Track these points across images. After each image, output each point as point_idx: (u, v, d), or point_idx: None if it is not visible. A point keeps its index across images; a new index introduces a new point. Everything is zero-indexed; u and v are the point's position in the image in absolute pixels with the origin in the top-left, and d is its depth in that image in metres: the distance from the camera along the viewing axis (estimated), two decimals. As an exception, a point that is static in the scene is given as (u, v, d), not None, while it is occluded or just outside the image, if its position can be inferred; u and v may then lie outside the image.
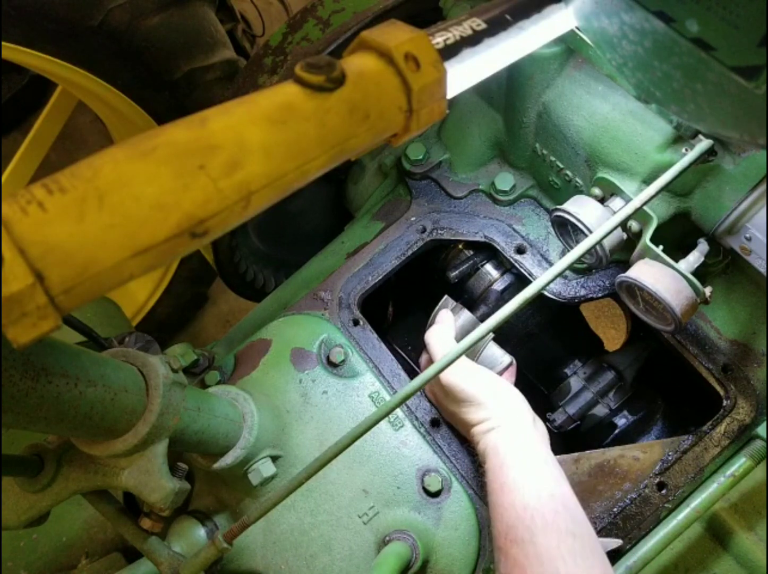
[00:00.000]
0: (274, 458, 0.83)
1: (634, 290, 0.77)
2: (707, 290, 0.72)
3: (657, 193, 0.64)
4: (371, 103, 0.44)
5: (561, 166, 0.90)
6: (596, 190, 0.82)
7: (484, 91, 0.98)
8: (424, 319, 1.00)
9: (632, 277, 0.74)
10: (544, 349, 1.11)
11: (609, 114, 0.79)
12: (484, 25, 0.54)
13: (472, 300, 1.06)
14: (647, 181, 0.78)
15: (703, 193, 0.76)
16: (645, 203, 0.64)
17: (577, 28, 0.66)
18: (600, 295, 0.93)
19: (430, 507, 0.84)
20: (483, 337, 0.60)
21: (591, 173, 0.84)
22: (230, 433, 0.76)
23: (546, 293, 0.94)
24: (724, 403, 0.85)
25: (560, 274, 0.62)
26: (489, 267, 1.05)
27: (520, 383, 0.91)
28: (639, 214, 0.73)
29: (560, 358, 1.10)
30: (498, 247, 0.99)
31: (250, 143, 0.38)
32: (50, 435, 0.65)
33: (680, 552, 0.80)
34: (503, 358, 0.91)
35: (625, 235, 0.81)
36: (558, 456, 0.82)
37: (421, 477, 0.85)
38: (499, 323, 0.59)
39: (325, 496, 0.85)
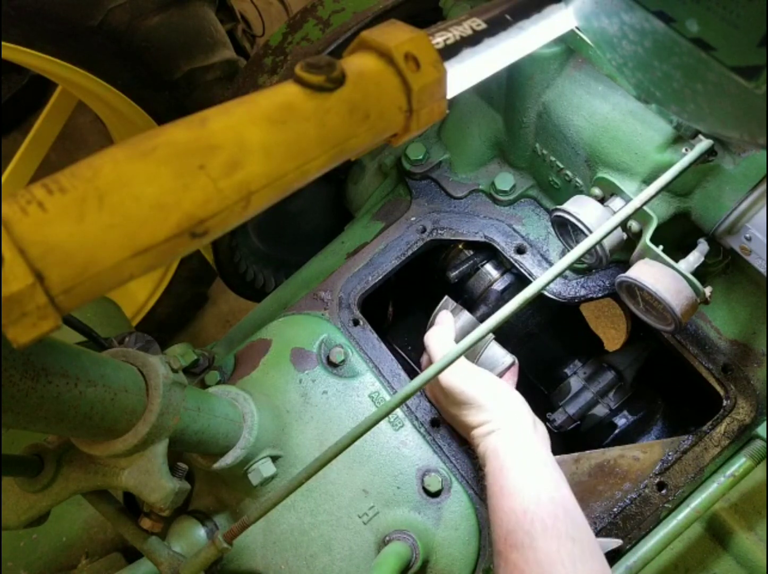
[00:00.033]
0: (274, 458, 0.83)
1: (634, 290, 0.77)
2: (707, 290, 0.72)
3: (657, 193, 0.64)
4: (371, 103, 0.44)
5: (561, 166, 0.90)
6: (596, 190, 0.82)
7: (484, 91, 0.98)
8: (424, 319, 1.00)
9: (632, 278, 0.74)
10: (544, 349, 1.11)
11: (609, 114, 0.79)
12: (484, 25, 0.54)
13: (472, 300, 1.06)
14: (647, 181, 0.78)
15: (703, 193, 0.76)
16: (645, 203, 0.64)
17: (577, 28, 0.66)
18: (600, 295, 0.93)
19: (430, 507, 0.84)
20: (483, 337, 0.60)
21: (591, 173, 0.84)
22: (230, 433, 0.76)
23: (546, 293, 0.94)
24: (724, 403, 0.85)
25: (560, 274, 0.62)
26: (489, 267, 1.05)
27: (520, 383, 0.91)
28: (639, 214, 0.73)
29: (560, 358, 1.10)
30: (498, 247, 0.99)
31: (250, 143, 0.38)
32: (50, 435, 0.65)
33: (680, 552, 0.80)
34: (505, 358, 0.91)
35: (625, 235, 0.81)
36: (558, 456, 0.82)
37: (421, 477, 0.85)
38: (499, 323, 0.59)
39: (325, 496, 0.85)
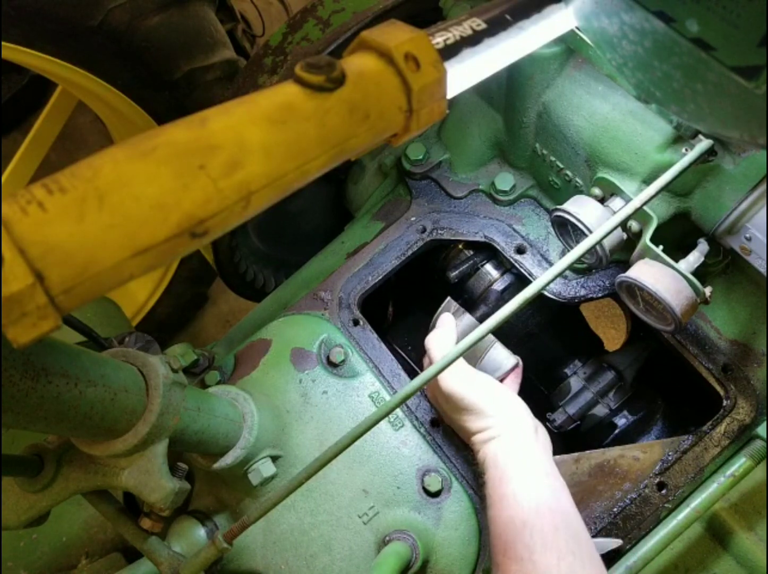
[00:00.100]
0: (274, 458, 0.83)
1: (634, 290, 0.77)
2: (707, 290, 0.72)
3: (657, 193, 0.64)
4: (371, 103, 0.44)
5: (561, 166, 0.90)
6: (596, 190, 0.82)
7: (484, 91, 0.98)
8: (424, 319, 1.00)
9: (632, 278, 0.74)
10: (544, 349, 1.11)
11: (609, 114, 0.79)
12: (484, 25, 0.54)
13: (472, 300, 1.06)
14: (647, 181, 0.78)
15: (703, 193, 0.76)
16: (645, 203, 0.64)
17: (577, 28, 0.66)
18: (600, 295, 0.93)
19: (430, 507, 0.84)
20: (482, 337, 0.60)
21: (591, 173, 0.84)
22: (230, 433, 0.76)
23: (546, 293, 0.94)
24: (724, 403, 0.85)
25: (560, 274, 0.62)
26: (489, 267, 1.05)
27: (520, 383, 0.91)
28: (639, 214, 0.73)
29: (560, 358, 1.10)
30: (498, 247, 0.99)
31: (250, 143, 0.38)
32: (50, 435, 0.65)
33: (680, 552, 0.80)
34: (508, 360, 0.89)
35: (625, 235, 0.81)
36: (558, 456, 0.82)
37: (421, 477, 0.85)
38: (499, 323, 0.59)
39: (325, 496, 0.85)
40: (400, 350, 1.18)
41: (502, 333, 1.02)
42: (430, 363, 0.90)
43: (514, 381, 0.90)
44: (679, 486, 0.83)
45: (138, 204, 0.34)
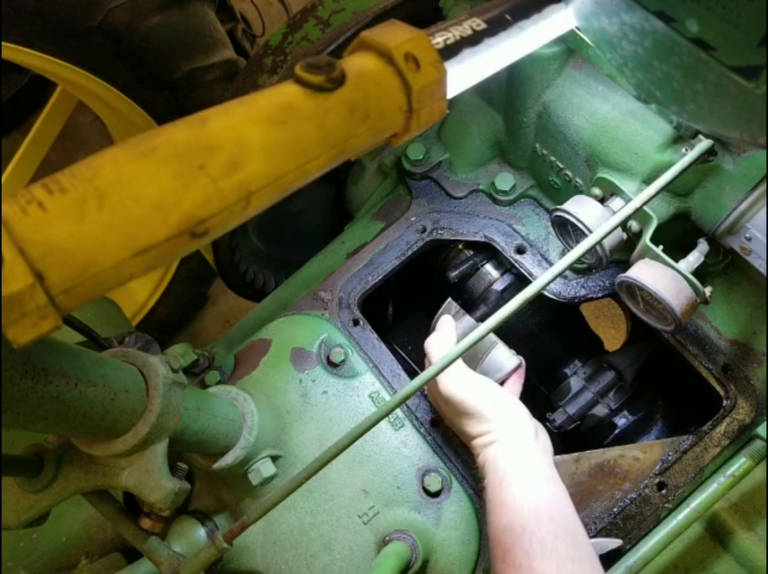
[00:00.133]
0: (274, 458, 0.83)
1: (634, 289, 0.77)
2: (707, 290, 0.72)
3: (657, 193, 0.64)
4: (371, 103, 0.44)
5: (561, 166, 0.90)
6: (596, 190, 0.82)
7: (484, 91, 0.98)
8: (424, 319, 1.00)
9: (632, 278, 0.74)
10: (544, 349, 1.11)
11: (609, 114, 0.79)
12: (484, 25, 0.54)
13: (472, 300, 1.06)
14: (647, 181, 0.78)
15: (703, 193, 0.76)
16: (645, 203, 0.64)
17: (577, 28, 0.66)
18: (600, 295, 0.93)
19: (430, 507, 0.84)
20: (482, 337, 0.60)
21: (591, 173, 0.84)
22: (230, 433, 0.76)
23: (546, 293, 0.94)
24: (724, 403, 0.85)
25: (560, 274, 0.62)
26: (489, 267, 1.05)
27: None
28: (639, 214, 0.73)
29: (560, 358, 1.10)
30: (498, 247, 0.99)
31: (250, 143, 0.38)
32: (50, 435, 0.65)
33: (680, 552, 0.80)
34: (510, 361, 0.89)
35: (625, 235, 0.81)
36: (558, 456, 0.82)
37: (421, 477, 0.85)
38: (499, 323, 0.59)
39: (325, 496, 0.85)
40: (400, 350, 1.18)
41: (502, 333, 1.02)
42: (430, 366, 0.89)
43: (516, 381, 0.90)
44: (679, 486, 0.83)
45: (138, 204, 0.34)
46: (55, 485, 0.64)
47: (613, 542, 0.80)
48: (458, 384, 0.79)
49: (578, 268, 0.93)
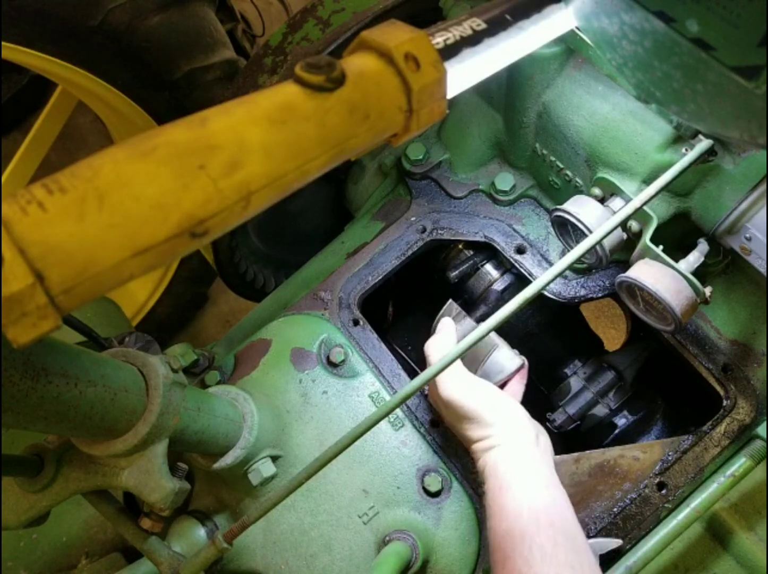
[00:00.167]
0: (274, 458, 0.83)
1: (634, 290, 0.77)
2: (707, 290, 0.72)
3: (657, 193, 0.64)
4: (371, 103, 0.44)
5: (561, 166, 0.90)
6: (596, 190, 0.82)
7: (484, 91, 0.98)
8: (424, 319, 1.00)
9: (632, 278, 0.74)
10: (544, 349, 1.11)
11: (609, 114, 0.79)
12: (484, 25, 0.54)
13: (472, 300, 1.06)
14: (647, 181, 0.78)
15: (703, 193, 0.76)
16: (645, 203, 0.64)
17: (577, 28, 0.66)
18: (600, 295, 0.93)
19: (430, 507, 0.84)
20: (482, 338, 0.60)
21: (591, 173, 0.84)
22: (230, 433, 0.76)
23: (546, 293, 0.94)
24: (724, 403, 0.85)
25: (560, 274, 0.62)
26: (489, 267, 1.05)
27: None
28: (639, 214, 0.73)
29: (560, 358, 1.10)
30: (498, 247, 0.99)
31: (250, 143, 0.38)
32: (50, 435, 0.65)
33: (680, 552, 0.80)
34: (512, 361, 0.88)
35: (625, 235, 0.81)
36: (558, 456, 0.82)
37: (421, 477, 0.85)
38: (499, 323, 0.59)
39: (325, 496, 0.85)
40: (400, 350, 1.18)
41: (502, 333, 1.02)
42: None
43: (519, 382, 0.89)
44: (679, 486, 0.83)
45: (138, 204, 0.34)
46: (55, 485, 0.64)
47: (613, 542, 0.80)
48: (458, 388, 0.79)
49: (578, 268, 0.93)
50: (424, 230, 1.03)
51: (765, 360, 0.86)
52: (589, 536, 0.83)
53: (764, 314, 0.86)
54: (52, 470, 0.63)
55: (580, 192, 0.89)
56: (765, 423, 0.76)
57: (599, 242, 0.65)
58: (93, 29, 1.21)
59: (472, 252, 1.07)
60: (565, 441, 1.04)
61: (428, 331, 0.92)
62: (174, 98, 1.41)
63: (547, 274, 0.60)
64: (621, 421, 1.03)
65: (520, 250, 0.98)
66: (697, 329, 0.89)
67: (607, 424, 1.03)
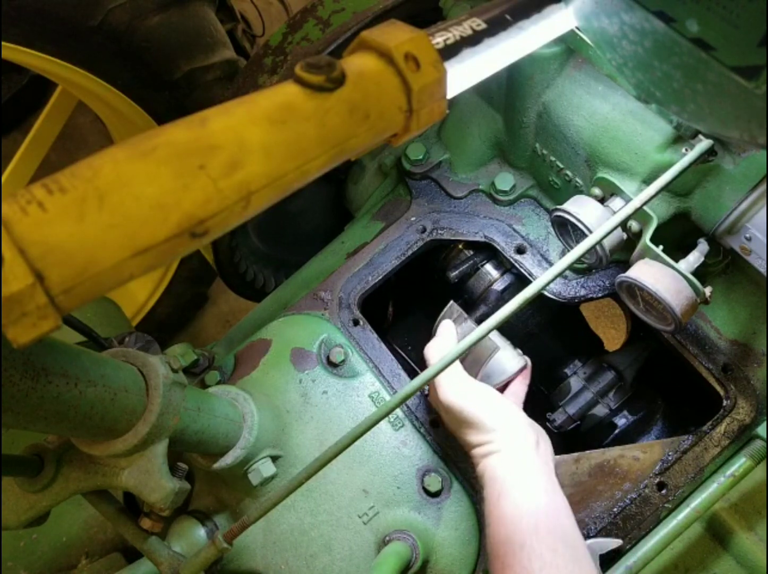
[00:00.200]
0: (274, 458, 0.83)
1: (634, 290, 0.77)
2: (707, 290, 0.72)
3: (657, 193, 0.64)
4: (371, 103, 0.44)
5: (561, 166, 0.90)
6: (596, 190, 0.82)
7: (484, 91, 0.98)
8: (424, 319, 0.99)
9: (632, 277, 0.74)
10: (544, 349, 1.11)
11: (609, 114, 0.79)
12: (484, 25, 0.54)
13: (472, 300, 1.06)
14: (647, 181, 0.78)
15: (703, 193, 0.76)
16: (645, 203, 0.64)
17: (577, 28, 0.66)
18: (600, 295, 0.93)
19: (430, 507, 0.84)
20: (482, 338, 0.60)
21: (591, 173, 0.84)
22: (230, 433, 0.76)
23: (546, 293, 0.94)
24: (724, 403, 0.85)
25: (560, 274, 0.62)
26: (489, 267, 1.05)
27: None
28: (639, 214, 0.73)
29: (560, 358, 1.10)
30: (498, 247, 0.99)
31: (250, 143, 0.38)
32: (50, 435, 0.65)
33: (680, 552, 0.80)
34: (514, 361, 0.87)
35: (625, 235, 0.81)
36: (558, 456, 0.82)
37: (421, 477, 0.85)
38: (498, 323, 0.59)
39: (325, 496, 0.85)
40: (400, 350, 1.18)
41: (502, 333, 1.02)
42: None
43: (522, 382, 0.89)
44: (679, 486, 0.83)
45: (138, 204, 0.34)
46: (55, 485, 0.64)
47: (613, 542, 0.80)
48: (457, 392, 0.78)
49: (578, 268, 0.93)
50: (424, 230, 1.03)
51: (765, 360, 0.86)
52: (589, 536, 0.83)
53: (764, 314, 0.86)
54: (52, 470, 0.63)
55: (580, 192, 0.89)
56: (765, 423, 0.76)
57: (599, 242, 0.65)
58: (93, 29, 1.21)
59: (472, 252, 1.07)
60: (565, 441, 1.04)
61: (428, 331, 0.92)
62: (174, 98, 1.41)
63: (547, 274, 0.60)
64: (621, 421, 1.03)
65: (520, 250, 0.98)
66: (697, 329, 0.89)
67: (607, 424, 1.03)
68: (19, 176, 1.73)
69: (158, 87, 1.38)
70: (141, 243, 0.34)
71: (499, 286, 1.04)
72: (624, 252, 0.82)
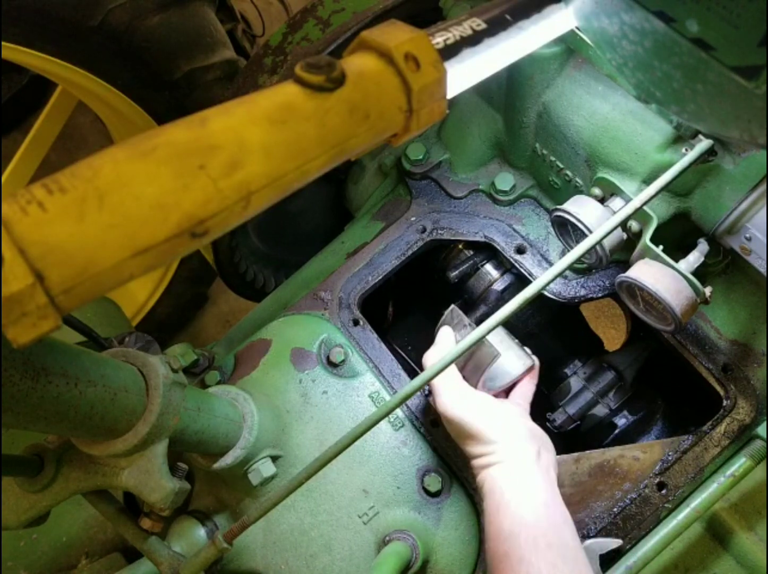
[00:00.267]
0: (274, 458, 0.83)
1: (634, 289, 0.77)
2: (707, 290, 0.72)
3: (657, 193, 0.64)
4: (371, 103, 0.44)
5: (561, 166, 0.90)
6: (596, 190, 0.82)
7: (484, 91, 0.98)
8: (424, 319, 0.99)
9: (632, 277, 0.74)
10: (544, 349, 1.10)
11: (609, 114, 0.79)
12: (484, 25, 0.54)
13: (472, 300, 1.06)
14: (647, 181, 0.78)
15: (703, 193, 0.76)
16: (645, 203, 0.64)
17: (577, 28, 0.66)
18: (600, 295, 0.93)
19: (430, 507, 0.84)
20: (481, 338, 0.60)
21: (591, 173, 0.84)
22: (230, 433, 0.76)
23: (546, 293, 0.94)
24: (724, 403, 0.85)
25: (560, 274, 0.62)
26: (489, 267, 1.05)
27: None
28: (639, 214, 0.73)
29: (560, 358, 1.10)
30: (498, 247, 0.99)
31: (250, 143, 0.38)
32: (50, 435, 0.65)
33: (680, 552, 0.80)
34: (520, 362, 0.86)
35: (625, 235, 0.81)
36: (558, 456, 0.82)
37: (421, 477, 0.85)
38: (498, 323, 0.59)
39: (325, 496, 0.85)
40: (400, 350, 1.18)
41: (503, 333, 1.02)
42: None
43: (530, 382, 0.87)
44: (679, 486, 0.83)
45: (138, 204, 0.34)
46: (55, 485, 0.64)
47: (613, 542, 0.80)
48: (456, 404, 0.77)
49: (578, 268, 0.93)
50: (424, 230, 1.03)
51: (765, 360, 0.86)
52: (589, 536, 0.83)
53: (764, 314, 0.86)
54: (52, 470, 0.63)
55: (580, 192, 0.89)
56: (765, 423, 0.76)
57: (599, 242, 0.65)
58: (93, 29, 1.21)
59: (472, 252, 1.07)
60: (565, 441, 1.04)
61: (428, 331, 0.92)
62: (174, 98, 1.41)
63: (547, 274, 0.60)
64: (621, 421, 1.03)
65: (520, 250, 0.98)
66: (697, 329, 0.89)
67: (607, 424, 1.03)
68: (19, 176, 1.73)
69: (158, 87, 1.38)
70: (141, 243, 0.34)
71: (499, 286, 1.04)
72: (624, 252, 0.82)
